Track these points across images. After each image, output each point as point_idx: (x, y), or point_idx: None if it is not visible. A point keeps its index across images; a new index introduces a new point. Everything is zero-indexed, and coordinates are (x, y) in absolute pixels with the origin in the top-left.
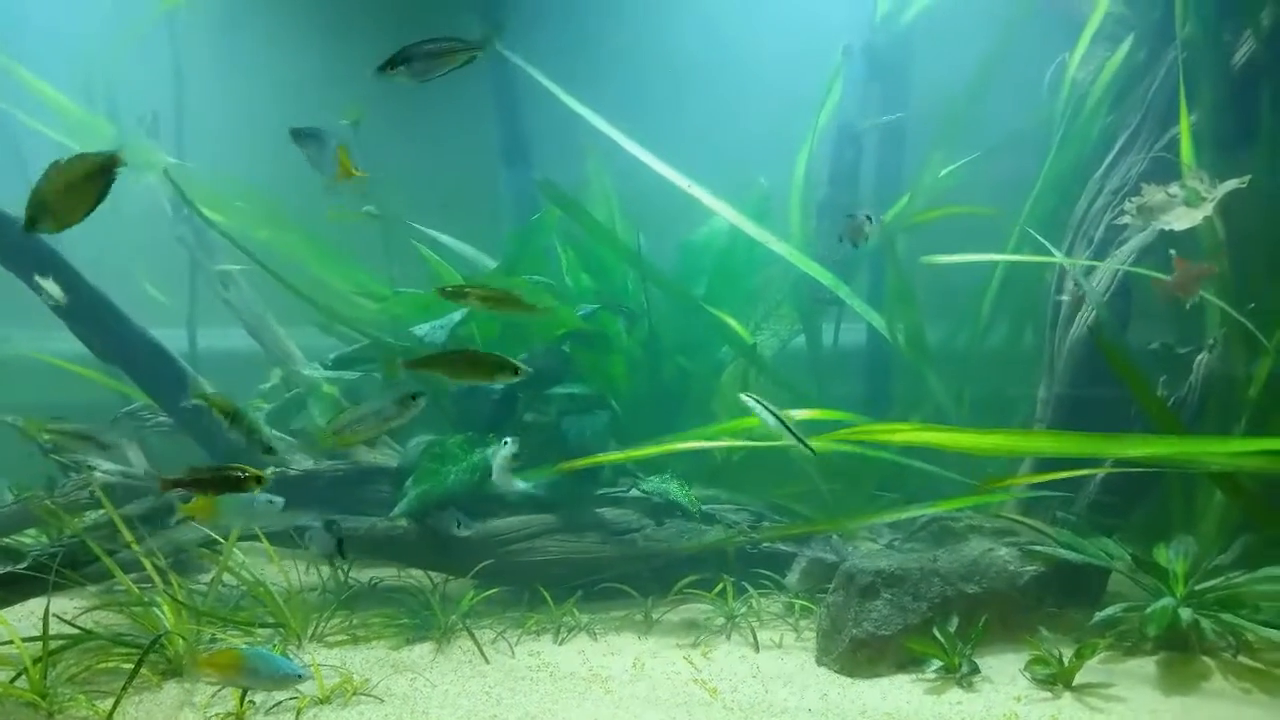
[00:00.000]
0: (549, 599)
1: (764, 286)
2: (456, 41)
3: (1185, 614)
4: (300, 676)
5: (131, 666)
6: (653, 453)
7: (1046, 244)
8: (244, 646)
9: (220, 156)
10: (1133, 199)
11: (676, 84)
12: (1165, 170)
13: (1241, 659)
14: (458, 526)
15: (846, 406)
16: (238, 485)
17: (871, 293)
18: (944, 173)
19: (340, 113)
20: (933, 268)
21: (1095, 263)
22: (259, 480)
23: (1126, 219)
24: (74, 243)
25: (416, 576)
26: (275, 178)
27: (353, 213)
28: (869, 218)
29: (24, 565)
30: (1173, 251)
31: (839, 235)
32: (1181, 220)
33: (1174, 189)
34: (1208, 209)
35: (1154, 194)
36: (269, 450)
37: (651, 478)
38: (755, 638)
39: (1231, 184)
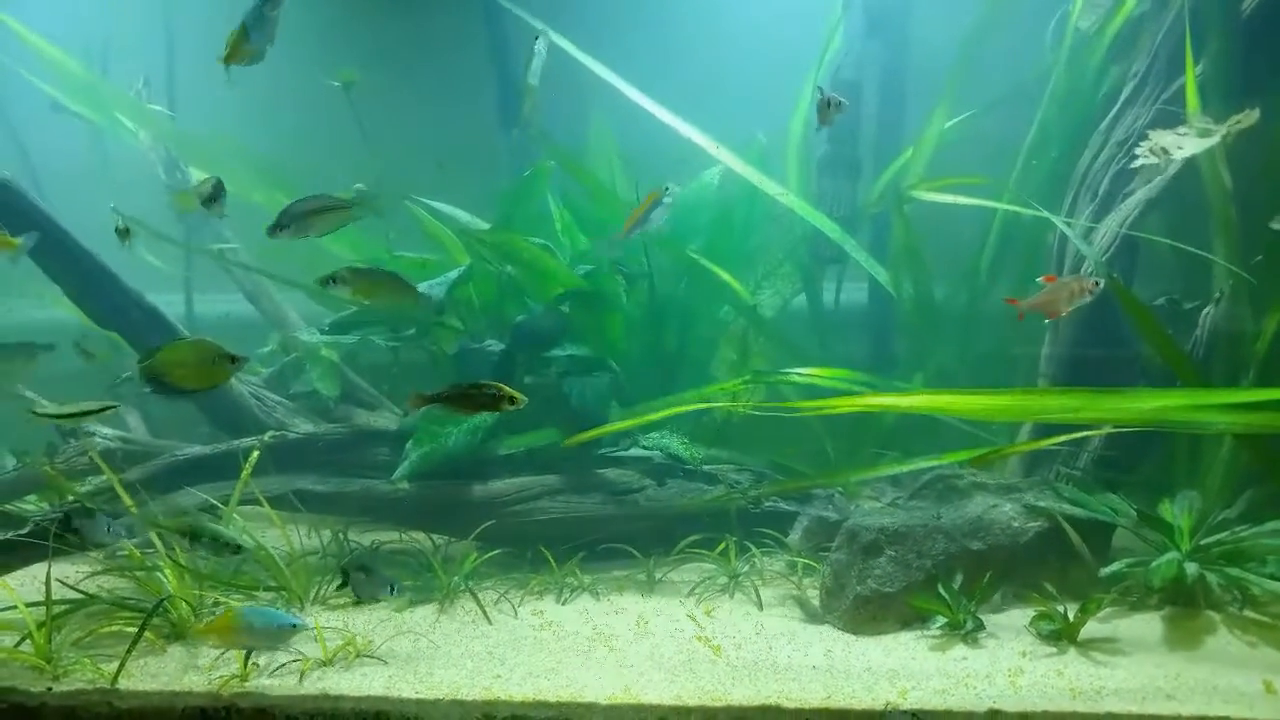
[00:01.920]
0: (551, 560)
1: (764, 245)
2: (331, 200)
3: (1191, 568)
4: (296, 626)
5: (135, 630)
6: (655, 418)
7: (1037, 207)
8: (238, 605)
9: (213, 119)
10: (1144, 143)
11: (672, 40)
12: (1171, 122)
13: (1247, 613)
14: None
15: (849, 366)
16: (493, 404)
17: (873, 250)
18: (948, 124)
19: (333, 74)
20: (935, 227)
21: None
22: (512, 400)
23: (1139, 161)
24: (70, 208)
25: (418, 539)
26: (269, 141)
27: (345, 190)
28: (839, 101)
29: (26, 531)
30: (1040, 279)
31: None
32: (1192, 147)
33: (1182, 129)
34: (1218, 137)
35: (1163, 136)
36: (238, 550)
37: (651, 434)
38: (759, 596)
39: (1241, 117)
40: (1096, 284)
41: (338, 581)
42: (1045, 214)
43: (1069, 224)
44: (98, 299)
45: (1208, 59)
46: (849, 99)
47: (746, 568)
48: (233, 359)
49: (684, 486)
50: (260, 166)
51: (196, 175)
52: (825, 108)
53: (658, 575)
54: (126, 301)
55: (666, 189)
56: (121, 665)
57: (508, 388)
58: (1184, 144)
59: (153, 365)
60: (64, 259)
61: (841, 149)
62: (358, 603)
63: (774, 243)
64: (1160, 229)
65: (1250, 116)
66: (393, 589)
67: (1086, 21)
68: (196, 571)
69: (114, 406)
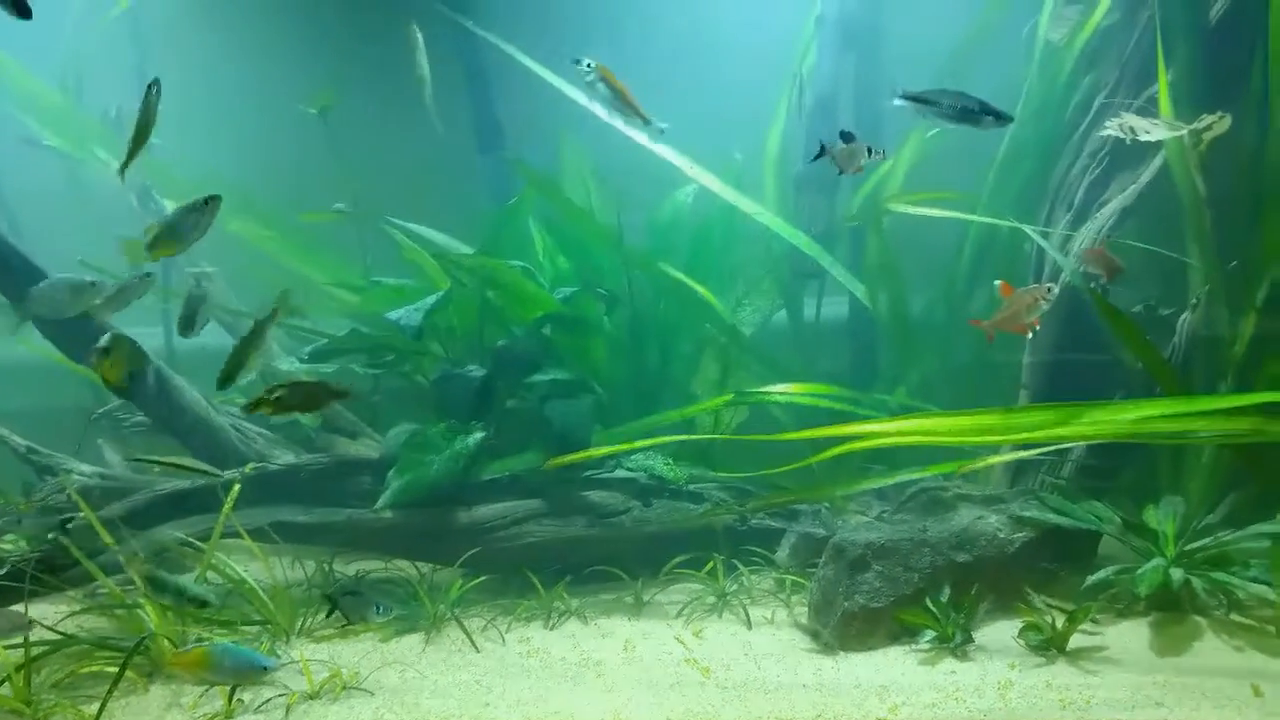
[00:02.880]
0: (538, 585)
1: (743, 263)
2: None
3: (1176, 574)
4: (266, 668)
5: (115, 670)
6: (641, 445)
7: (1001, 219)
8: (211, 642)
9: (188, 149)
10: (1113, 120)
11: (646, 58)
12: None
13: (1233, 616)
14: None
15: (831, 380)
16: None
17: (852, 266)
18: (930, 134)
19: (308, 100)
20: (912, 240)
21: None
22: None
23: (1106, 132)
24: (42, 240)
25: (403, 567)
26: (244, 170)
27: (324, 212)
28: (868, 149)
29: (2, 572)
30: (997, 282)
31: (831, 157)
32: (1161, 133)
33: (1155, 120)
34: (1191, 127)
35: (1135, 119)
36: (204, 605)
37: (635, 455)
38: (747, 615)
39: (1211, 119)
40: (1050, 290)
41: (325, 610)
42: (1018, 224)
43: (1045, 233)
44: (72, 336)
45: (1176, 68)
46: (827, 118)
47: (734, 587)
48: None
49: (670, 507)
50: (235, 194)
51: (169, 205)
52: (841, 155)
53: (646, 597)
54: (94, 334)
55: None
56: (103, 706)
57: (333, 384)
58: (1152, 129)
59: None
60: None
61: (817, 166)
62: (345, 628)
63: (753, 259)
64: (1136, 237)
65: (1223, 122)
66: (379, 609)
67: (1056, 34)
68: (179, 608)
69: (218, 476)
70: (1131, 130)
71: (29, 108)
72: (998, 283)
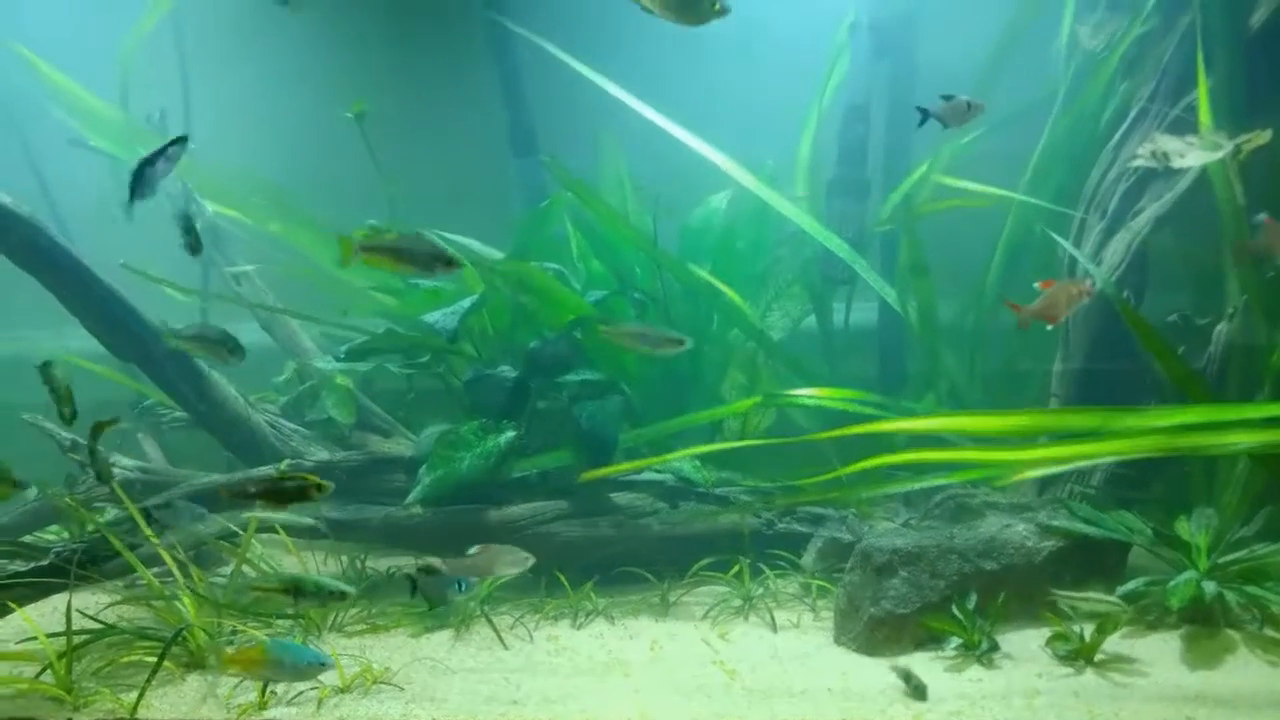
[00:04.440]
0: (566, 584)
1: (773, 267)
2: None
3: (1209, 587)
4: (324, 665)
5: (154, 660)
6: (671, 458)
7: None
8: (267, 639)
9: (231, 151)
10: (1146, 144)
11: (678, 64)
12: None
13: (1267, 631)
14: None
15: (860, 386)
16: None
17: (883, 271)
18: (966, 140)
19: (345, 105)
20: (943, 246)
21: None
22: (319, 488)
23: (1137, 162)
24: (91, 243)
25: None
26: (286, 172)
27: (360, 228)
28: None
29: (46, 562)
30: (1037, 284)
31: (935, 117)
32: (1195, 159)
33: (1190, 138)
34: (1224, 152)
35: (1168, 141)
36: (343, 596)
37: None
38: (773, 618)
39: (1250, 137)
40: (1092, 285)
41: (408, 590)
42: (1050, 232)
43: (1074, 241)
44: (116, 333)
45: (1215, 76)
46: (859, 123)
47: (760, 590)
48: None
49: (697, 509)
50: (275, 197)
51: (211, 207)
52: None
53: (672, 598)
54: (146, 335)
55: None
56: (140, 695)
57: (314, 479)
58: (1188, 153)
59: None
60: (83, 293)
61: (850, 171)
62: (431, 607)
63: (783, 264)
64: (1172, 245)
65: (1263, 136)
66: (460, 586)
67: (1094, 42)
68: (214, 600)
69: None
70: (1165, 156)
71: (75, 111)
72: (1038, 284)
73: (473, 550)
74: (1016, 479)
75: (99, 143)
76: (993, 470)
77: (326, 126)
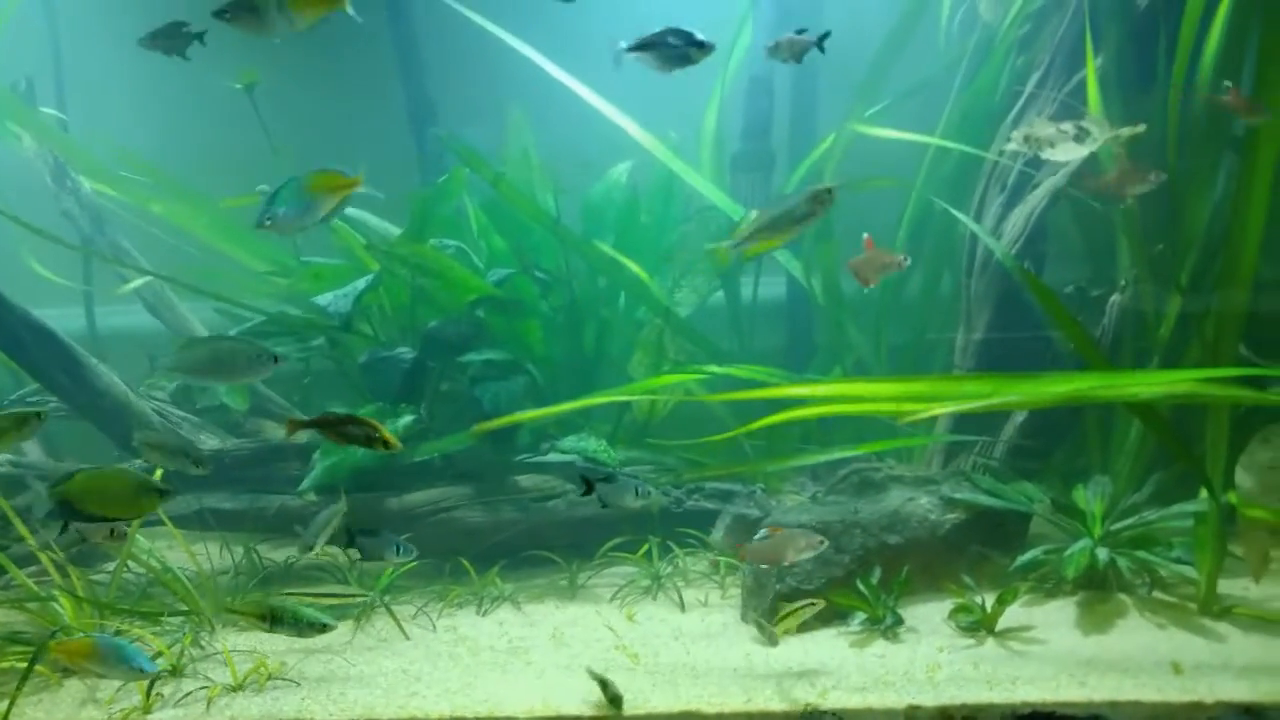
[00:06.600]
0: (471, 570)
1: (680, 243)
2: None
3: (1102, 554)
4: (144, 672)
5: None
6: (569, 407)
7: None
8: (98, 635)
9: (105, 126)
10: (1018, 129)
11: (575, 35)
12: (1074, 116)
13: (1156, 594)
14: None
15: (769, 361)
16: (368, 443)
17: (789, 246)
18: (870, 112)
19: (234, 76)
20: (848, 222)
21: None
22: (387, 444)
23: (1010, 146)
24: None
25: (333, 554)
26: (167, 146)
27: (247, 196)
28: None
29: None
30: (866, 235)
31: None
32: (1065, 153)
33: (1065, 125)
34: (1093, 146)
35: (1043, 127)
36: (324, 629)
37: (569, 437)
38: (681, 598)
39: (1125, 130)
40: (905, 260)
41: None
42: (948, 207)
43: (975, 214)
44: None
45: (1106, 52)
46: (764, 96)
47: (669, 569)
48: (161, 493)
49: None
50: (156, 174)
51: (86, 184)
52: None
53: (580, 581)
54: (12, 320)
55: None
56: (12, 703)
57: (386, 432)
58: (1058, 149)
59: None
60: None
61: (755, 145)
62: (359, 560)
63: (691, 238)
64: (1068, 217)
65: (1136, 129)
66: (399, 549)
67: (992, 15)
68: (96, 600)
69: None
70: (1037, 143)
71: None
72: (866, 235)
73: (761, 534)
74: (916, 417)
75: None
76: (895, 412)
77: (215, 99)
